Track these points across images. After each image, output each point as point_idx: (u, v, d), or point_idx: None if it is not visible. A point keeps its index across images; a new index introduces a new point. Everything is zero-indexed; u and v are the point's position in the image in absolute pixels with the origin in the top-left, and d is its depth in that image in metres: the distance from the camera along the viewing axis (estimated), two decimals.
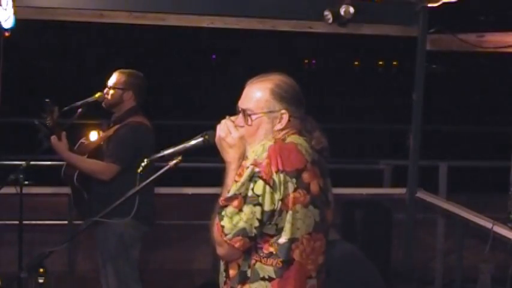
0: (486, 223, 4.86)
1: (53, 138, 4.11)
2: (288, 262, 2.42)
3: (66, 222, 5.97)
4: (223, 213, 2.39)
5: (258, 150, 2.40)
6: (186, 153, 2.67)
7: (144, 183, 2.83)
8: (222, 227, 2.38)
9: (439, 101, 17.66)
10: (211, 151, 2.72)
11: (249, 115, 2.51)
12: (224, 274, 2.53)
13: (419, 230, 6.20)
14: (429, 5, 5.50)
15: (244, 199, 2.36)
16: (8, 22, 4.64)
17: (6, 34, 4.86)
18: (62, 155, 4.14)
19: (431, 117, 7.19)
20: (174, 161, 2.67)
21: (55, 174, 4.71)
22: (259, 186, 2.35)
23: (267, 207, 2.36)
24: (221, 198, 2.42)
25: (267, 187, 2.35)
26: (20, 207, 4.20)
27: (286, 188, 2.37)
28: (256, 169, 2.36)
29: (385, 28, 5.87)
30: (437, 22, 5.68)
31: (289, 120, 2.50)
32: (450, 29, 5.66)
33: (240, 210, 2.36)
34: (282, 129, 2.50)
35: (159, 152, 2.74)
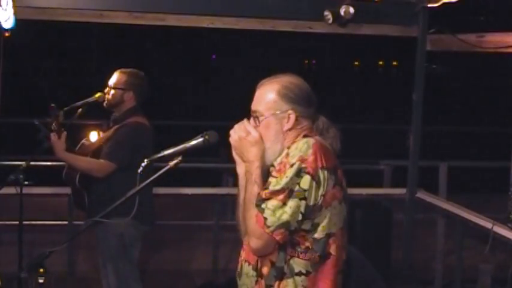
0: (486, 223, 4.86)
1: (53, 135, 4.12)
2: (325, 257, 2.47)
3: (66, 222, 5.97)
4: (263, 205, 2.42)
5: (303, 147, 2.45)
6: (186, 153, 2.67)
7: (144, 183, 2.83)
8: (265, 219, 2.41)
9: (439, 101, 17.65)
10: (211, 151, 2.71)
11: (257, 117, 2.55)
12: (255, 274, 2.54)
13: (419, 230, 6.20)
14: (429, 5, 5.49)
15: (290, 194, 2.40)
16: (8, 22, 4.65)
17: (6, 34, 4.86)
18: (58, 153, 4.14)
19: (431, 117, 7.19)
20: (174, 161, 2.67)
21: (55, 174, 4.71)
22: (306, 181, 2.40)
23: (311, 201, 2.41)
24: (264, 192, 2.43)
25: (314, 182, 2.41)
26: (20, 207, 4.19)
27: (328, 184, 2.44)
28: (303, 165, 2.41)
29: (385, 28, 5.87)
30: (437, 22, 5.68)
31: (296, 120, 2.53)
32: (450, 29, 5.65)
33: (284, 204, 2.40)
34: (291, 129, 2.54)
35: (159, 152, 2.74)
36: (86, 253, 6.05)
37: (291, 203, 2.40)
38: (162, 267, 6.18)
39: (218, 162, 7.11)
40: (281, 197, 2.40)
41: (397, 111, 9.57)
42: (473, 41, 5.51)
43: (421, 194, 5.81)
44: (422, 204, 5.85)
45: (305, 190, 2.40)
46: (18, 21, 4.71)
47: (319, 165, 2.42)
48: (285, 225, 2.40)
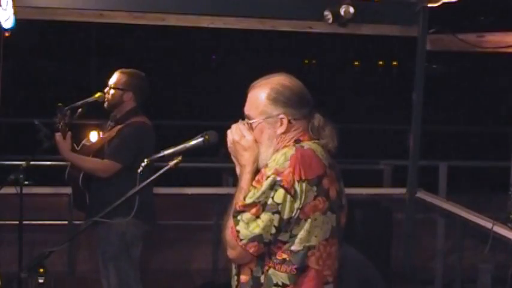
0: (486, 223, 4.86)
1: (58, 135, 4.13)
2: (302, 269, 2.42)
3: (66, 222, 5.97)
4: (239, 217, 2.39)
5: (280, 159, 2.40)
6: (186, 153, 2.67)
7: (144, 183, 2.83)
8: (238, 231, 2.38)
9: (439, 101, 17.65)
10: (211, 151, 2.71)
11: (250, 122, 2.52)
12: (235, 278, 2.53)
13: (419, 230, 6.20)
14: (429, 5, 5.50)
15: (263, 207, 2.36)
16: (8, 22, 4.65)
17: (6, 34, 4.86)
18: (63, 153, 4.16)
19: (431, 117, 7.19)
20: (174, 161, 2.67)
21: (55, 174, 4.71)
22: (279, 195, 2.35)
23: (286, 215, 2.36)
24: (239, 204, 2.41)
25: (288, 196, 2.35)
26: (20, 207, 4.20)
27: (307, 196, 2.37)
28: (278, 178, 2.36)
29: (385, 28, 5.87)
30: (437, 22, 5.68)
31: (290, 123, 2.49)
32: (450, 29, 5.66)
33: (257, 217, 2.36)
34: (284, 133, 2.49)
35: (159, 152, 2.74)
36: (86, 253, 6.05)
37: (264, 217, 2.36)
38: (162, 267, 6.18)
39: (218, 162, 7.10)
40: (254, 210, 2.37)
41: (397, 111, 9.57)
42: (473, 41, 5.51)
43: (421, 194, 5.81)
44: (422, 204, 5.85)
45: (278, 204, 2.35)
46: (18, 21, 4.71)
47: (297, 178, 2.35)
48: (258, 238, 2.36)
